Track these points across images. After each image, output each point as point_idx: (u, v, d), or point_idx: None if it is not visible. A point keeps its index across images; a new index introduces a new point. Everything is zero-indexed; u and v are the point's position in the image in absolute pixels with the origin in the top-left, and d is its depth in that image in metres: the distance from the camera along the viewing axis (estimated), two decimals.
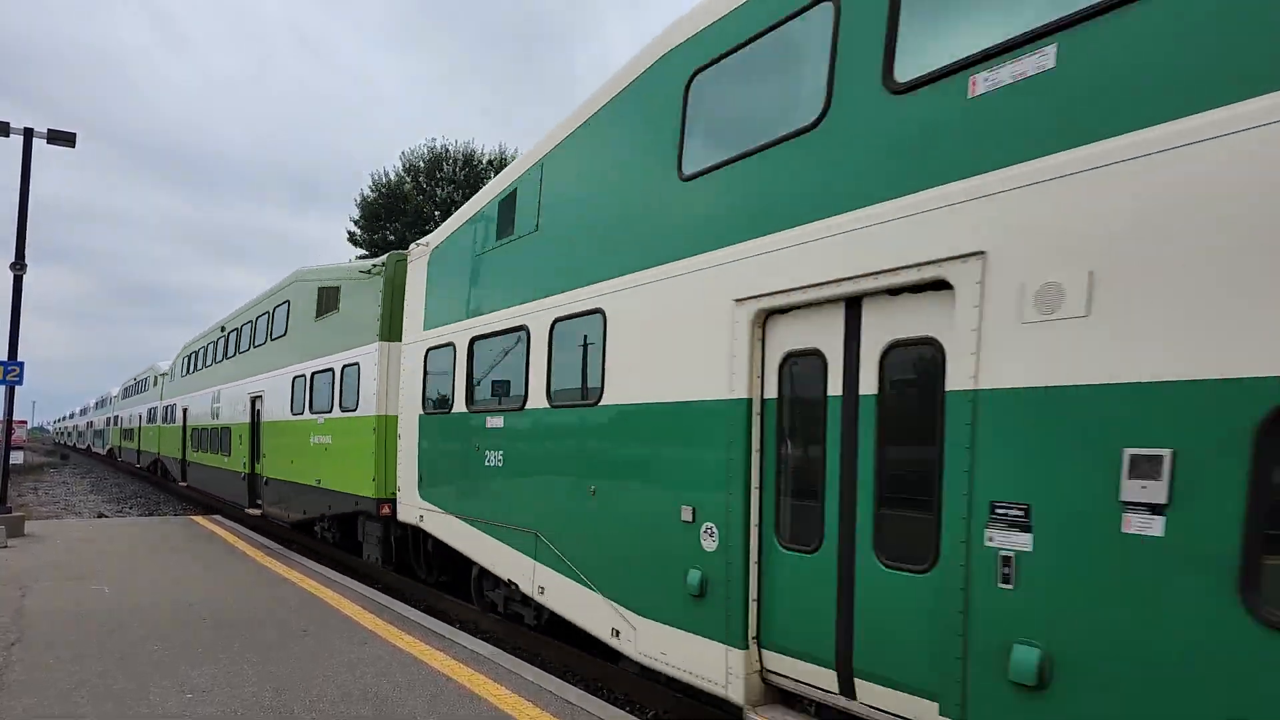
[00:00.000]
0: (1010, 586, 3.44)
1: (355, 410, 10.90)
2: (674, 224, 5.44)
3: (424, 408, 8.92)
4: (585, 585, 6.20)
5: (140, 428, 32.67)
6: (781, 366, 4.71)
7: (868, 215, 4.12)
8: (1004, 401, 3.49)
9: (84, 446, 67.73)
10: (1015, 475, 3.45)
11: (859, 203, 4.18)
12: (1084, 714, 3.20)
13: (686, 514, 5.16)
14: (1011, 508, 3.47)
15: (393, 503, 9.79)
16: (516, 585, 7.20)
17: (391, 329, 10.11)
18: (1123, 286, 3.14)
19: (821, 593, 4.37)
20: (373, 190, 33.88)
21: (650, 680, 6.09)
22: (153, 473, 30.77)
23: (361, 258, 24.07)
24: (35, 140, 14.43)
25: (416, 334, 9.14)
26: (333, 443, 11.69)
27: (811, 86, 4.53)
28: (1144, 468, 3.05)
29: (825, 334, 4.45)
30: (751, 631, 4.76)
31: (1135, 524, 3.09)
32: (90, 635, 6.84)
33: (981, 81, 3.67)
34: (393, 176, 33.58)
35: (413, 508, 9.19)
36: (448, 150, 33.59)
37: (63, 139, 14.89)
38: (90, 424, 62.15)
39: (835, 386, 4.36)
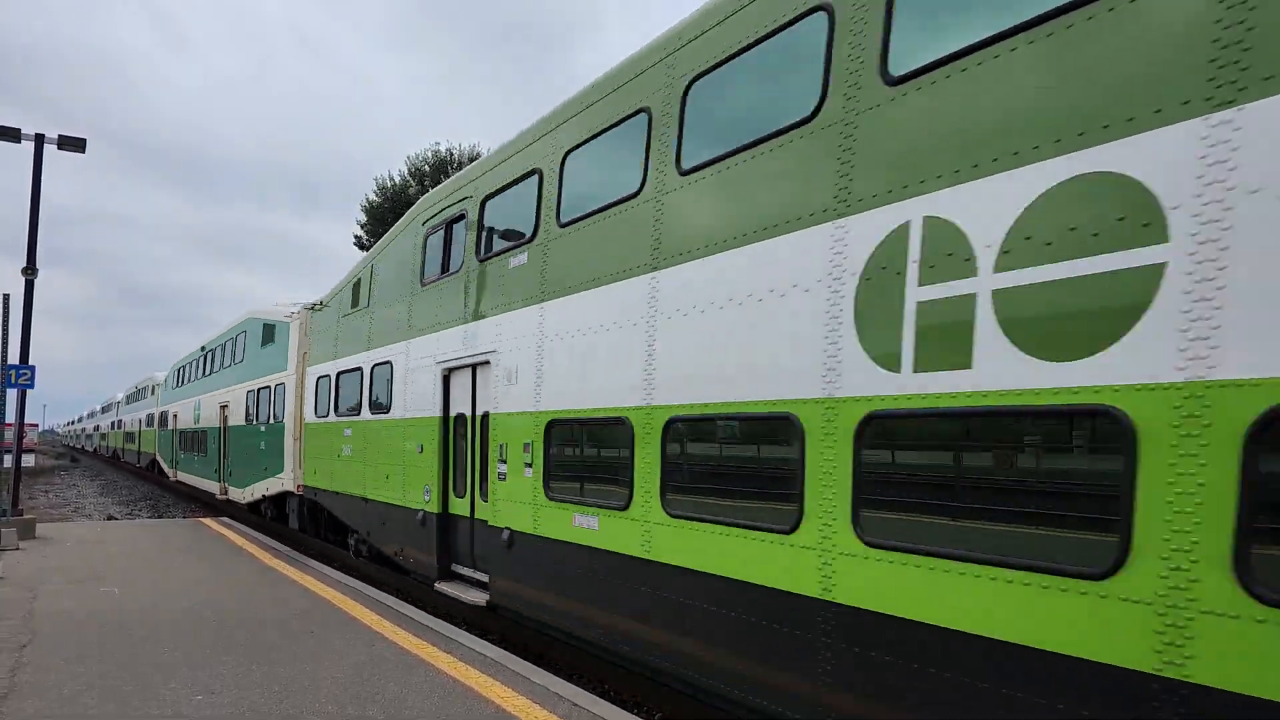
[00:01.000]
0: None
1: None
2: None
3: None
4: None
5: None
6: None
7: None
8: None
9: (92, 449, 69.13)
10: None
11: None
12: None
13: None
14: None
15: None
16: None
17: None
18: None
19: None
20: (378, 194, 34.02)
21: (656, 683, 6.08)
22: (150, 471, 33.71)
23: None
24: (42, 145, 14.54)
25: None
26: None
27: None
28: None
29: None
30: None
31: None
32: (99, 637, 6.88)
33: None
34: (397, 180, 33.72)
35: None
36: (452, 154, 33.71)
37: (72, 145, 15.01)
38: (97, 427, 64.94)
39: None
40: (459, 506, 8.52)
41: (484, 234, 8.13)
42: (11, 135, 14.43)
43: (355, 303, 11.45)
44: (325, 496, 12.31)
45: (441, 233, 9.01)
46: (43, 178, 14.41)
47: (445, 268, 8.87)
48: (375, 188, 34.35)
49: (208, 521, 16.62)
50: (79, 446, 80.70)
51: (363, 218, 34.73)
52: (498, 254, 7.76)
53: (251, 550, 12.38)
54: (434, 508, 8.76)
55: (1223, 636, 2.87)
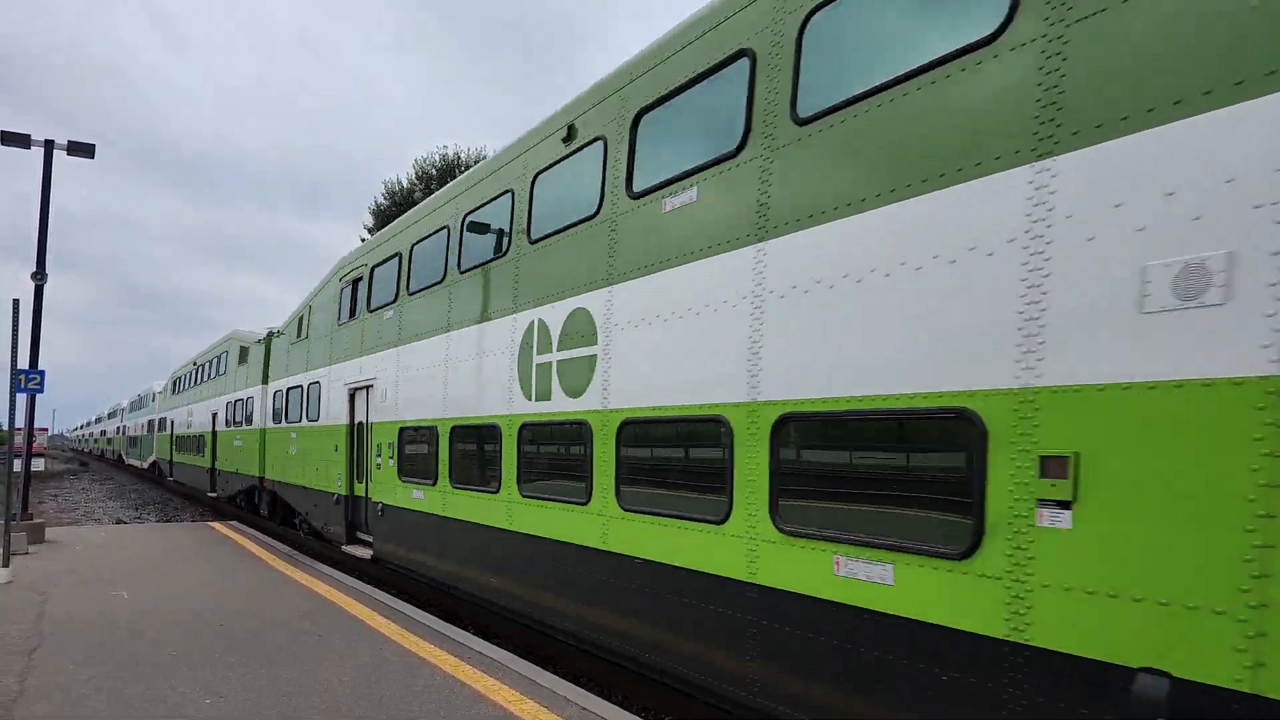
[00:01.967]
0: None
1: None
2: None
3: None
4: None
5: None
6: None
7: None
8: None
9: (99, 453, 70.46)
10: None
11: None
12: None
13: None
14: None
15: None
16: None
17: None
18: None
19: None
20: (385, 198, 34.15)
21: (662, 685, 6.07)
22: (151, 472, 36.41)
23: None
24: (41, 149, 14.62)
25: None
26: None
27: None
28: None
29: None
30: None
31: None
32: (108, 640, 6.91)
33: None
34: (405, 184, 33.84)
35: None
36: (459, 157, 33.81)
37: (82, 150, 15.11)
38: (104, 432, 67.90)
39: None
40: (359, 489, 11.39)
41: (371, 293, 11.14)
42: (20, 141, 14.53)
43: (299, 333, 14.54)
44: (280, 487, 15.42)
45: (350, 288, 12.04)
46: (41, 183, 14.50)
47: (352, 314, 11.85)
48: (383, 191, 34.46)
49: (216, 525, 16.69)
50: (88, 450, 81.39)
51: (370, 221, 34.87)
52: (376, 309, 10.85)
53: (258, 553, 12.43)
54: (343, 490, 11.69)
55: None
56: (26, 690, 5.56)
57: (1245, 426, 2.81)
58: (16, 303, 10.16)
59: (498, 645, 7.27)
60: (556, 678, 6.13)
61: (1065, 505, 3.29)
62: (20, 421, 12.62)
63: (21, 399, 14.03)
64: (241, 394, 18.56)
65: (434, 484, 8.80)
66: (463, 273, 8.39)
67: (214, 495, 21.38)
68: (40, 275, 14.31)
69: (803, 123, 4.59)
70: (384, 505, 10.19)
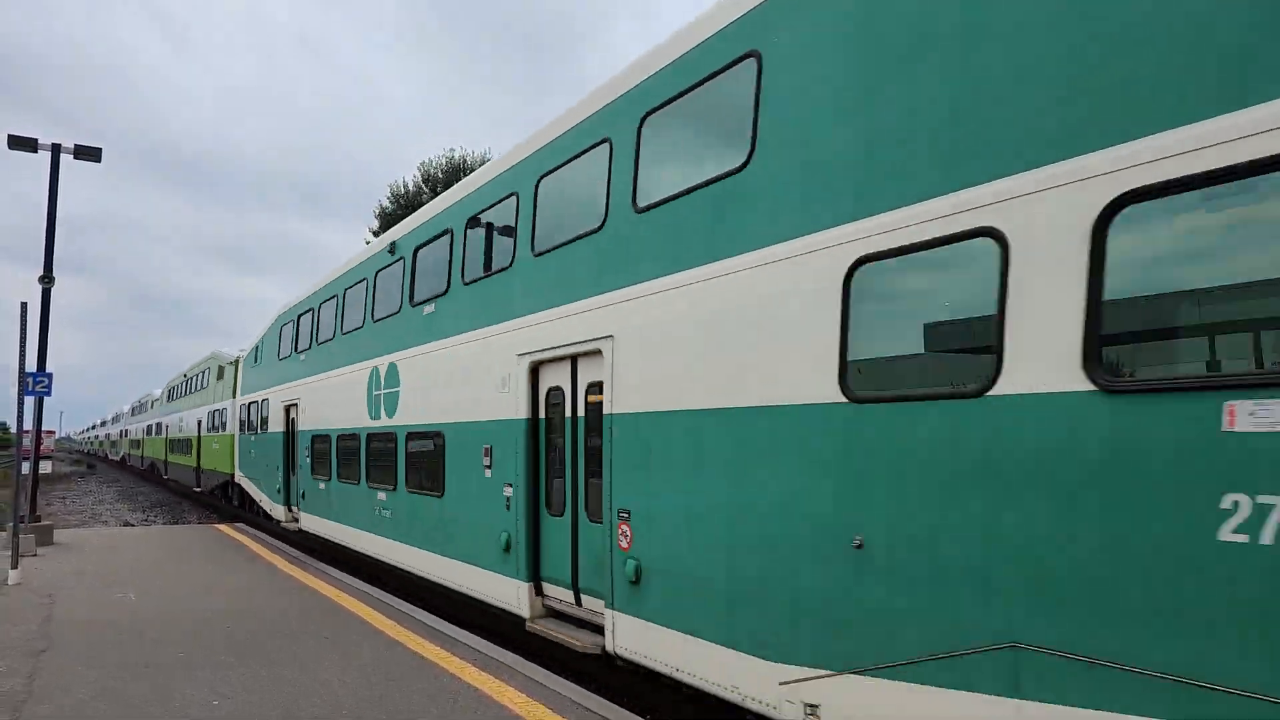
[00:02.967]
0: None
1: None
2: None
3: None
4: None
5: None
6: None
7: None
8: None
9: (103, 455, 72.29)
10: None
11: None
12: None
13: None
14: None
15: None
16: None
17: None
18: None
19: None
20: (391, 201, 34.18)
21: (667, 684, 6.06)
22: (151, 472, 39.34)
23: None
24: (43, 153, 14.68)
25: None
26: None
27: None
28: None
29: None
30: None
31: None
32: (115, 642, 6.93)
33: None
34: (411, 187, 33.86)
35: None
36: (465, 160, 33.84)
37: (89, 154, 15.18)
38: (109, 435, 71.12)
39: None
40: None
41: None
42: (28, 145, 14.58)
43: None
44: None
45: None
46: (45, 186, 14.56)
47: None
48: (389, 195, 34.47)
49: (222, 527, 16.74)
50: (94, 453, 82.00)
51: (376, 224, 34.91)
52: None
53: (265, 555, 12.45)
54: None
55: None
56: (34, 692, 5.58)
57: None
58: (24, 306, 10.20)
59: (502, 647, 7.27)
60: (561, 679, 6.12)
61: None
62: (28, 424, 12.68)
63: (29, 401, 14.10)
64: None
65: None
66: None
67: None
68: (47, 278, 14.37)
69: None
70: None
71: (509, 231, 7.44)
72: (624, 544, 5.74)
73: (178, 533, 16.36)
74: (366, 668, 6.23)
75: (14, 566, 9.72)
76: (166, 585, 9.69)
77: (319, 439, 12.80)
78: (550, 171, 6.83)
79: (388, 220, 33.97)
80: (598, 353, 6.13)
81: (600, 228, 6.05)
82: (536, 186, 7.01)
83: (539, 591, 7.08)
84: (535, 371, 7.03)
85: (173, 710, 5.27)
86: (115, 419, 66.17)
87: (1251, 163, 2.70)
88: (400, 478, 9.64)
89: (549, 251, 6.80)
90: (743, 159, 4.79)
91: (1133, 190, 3.00)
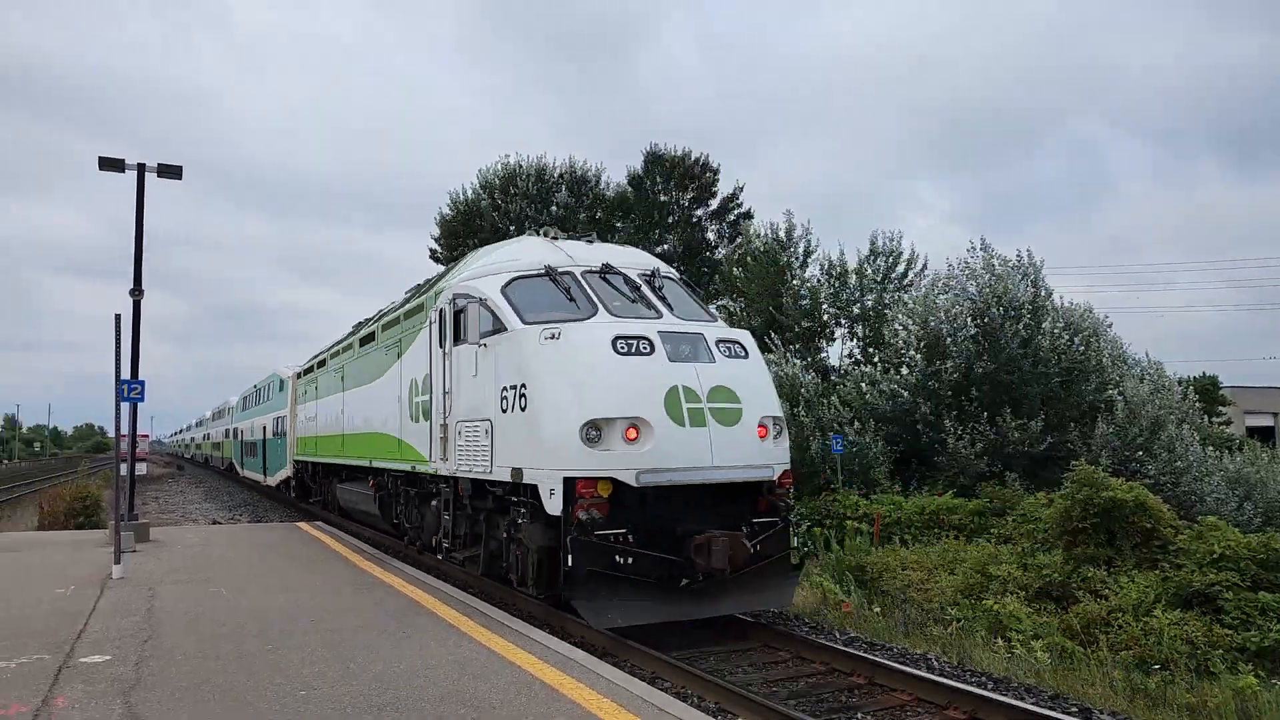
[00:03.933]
0: None
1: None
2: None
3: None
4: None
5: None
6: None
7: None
8: None
9: (189, 457, 78.02)
10: None
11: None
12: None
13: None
14: None
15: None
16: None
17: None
18: None
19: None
20: (451, 209, 34.96)
21: (734, 691, 6.08)
22: (229, 472, 45.08)
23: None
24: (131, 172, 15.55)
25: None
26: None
27: None
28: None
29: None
30: None
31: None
32: (213, 635, 7.34)
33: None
34: (470, 194, 34.56)
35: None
36: (520, 166, 34.35)
37: (170, 173, 16.03)
38: (193, 439, 76.11)
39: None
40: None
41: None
42: (116, 165, 15.48)
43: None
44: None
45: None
46: (132, 206, 15.44)
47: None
48: (449, 203, 35.22)
49: (303, 525, 17.48)
50: (184, 455, 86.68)
51: (436, 231, 35.77)
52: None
53: (344, 553, 12.97)
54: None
55: None
56: (142, 679, 5.97)
57: None
58: (118, 317, 10.87)
59: (575, 646, 7.41)
60: (631, 677, 6.21)
61: None
62: (125, 428, 13.50)
63: (124, 407, 14.99)
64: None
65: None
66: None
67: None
68: (137, 291, 15.26)
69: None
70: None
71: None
72: None
73: (262, 531, 17.17)
74: (447, 663, 6.44)
75: (117, 561, 10.38)
76: (254, 581, 10.20)
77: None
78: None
79: (447, 227, 34.76)
80: None
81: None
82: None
83: None
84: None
85: (269, 699, 5.57)
86: (199, 423, 71.53)
87: None
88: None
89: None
90: None
91: None
